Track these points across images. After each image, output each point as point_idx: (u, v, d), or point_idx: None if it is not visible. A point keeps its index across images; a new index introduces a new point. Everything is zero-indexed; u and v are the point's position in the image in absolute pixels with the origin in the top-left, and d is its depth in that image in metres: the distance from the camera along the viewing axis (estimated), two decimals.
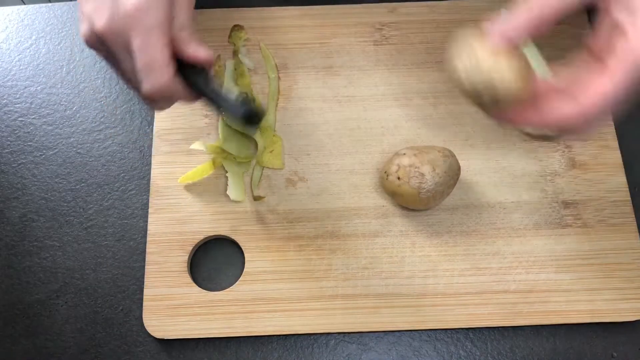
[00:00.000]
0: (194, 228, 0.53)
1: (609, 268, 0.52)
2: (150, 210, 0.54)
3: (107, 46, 0.43)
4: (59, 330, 0.52)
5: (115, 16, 0.41)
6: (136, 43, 0.41)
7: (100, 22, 0.41)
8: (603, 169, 0.56)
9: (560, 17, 0.38)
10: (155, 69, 0.42)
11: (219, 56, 0.59)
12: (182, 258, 0.52)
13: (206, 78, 0.44)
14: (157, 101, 0.44)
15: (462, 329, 0.52)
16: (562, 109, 0.38)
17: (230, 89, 0.57)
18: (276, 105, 0.58)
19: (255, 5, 0.61)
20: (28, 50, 0.62)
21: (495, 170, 0.56)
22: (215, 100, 0.44)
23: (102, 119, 0.59)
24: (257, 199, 0.54)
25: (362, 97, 0.58)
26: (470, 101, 0.41)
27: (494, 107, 0.40)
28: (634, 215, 0.54)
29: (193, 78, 0.44)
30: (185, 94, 0.44)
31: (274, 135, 0.56)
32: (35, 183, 0.56)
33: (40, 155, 0.57)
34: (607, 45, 0.38)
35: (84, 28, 0.43)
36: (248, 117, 0.43)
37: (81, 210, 0.55)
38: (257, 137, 0.55)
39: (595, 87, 0.37)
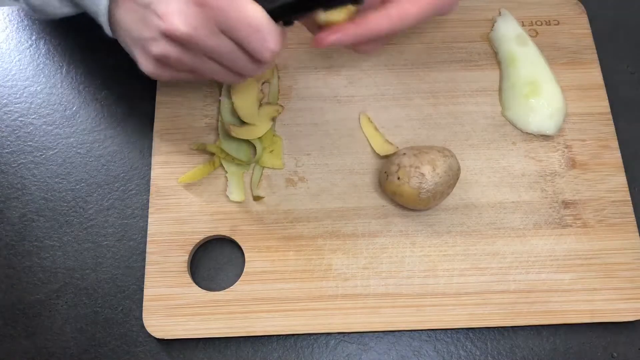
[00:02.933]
0: (194, 228, 0.53)
1: (609, 268, 0.52)
2: (150, 210, 0.54)
3: (196, 46, 0.42)
4: (59, 330, 0.52)
5: (189, 11, 0.40)
6: (230, 19, 0.40)
7: (177, 25, 0.40)
8: (603, 169, 0.56)
9: None
10: (265, 27, 0.41)
11: None
12: (182, 258, 0.52)
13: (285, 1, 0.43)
14: (272, 62, 0.44)
15: (462, 329, 0.52)
16: (380, 21, 0.45)
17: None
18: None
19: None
20: (28, 50, 0.62)
21: (495, 170, 0.56)
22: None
23: (102, 119, 0.59)
24: (257, 199, 0.54)
25: (362, 97, 0.58)
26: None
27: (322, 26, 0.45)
28: (634, 215, 0.54)
29: (278, 8, 0.42)
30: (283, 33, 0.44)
31: (274, 136, 0.56)
32: (35, 183, 0.56)
33: (40, 155, 0.57)
34: None
35: (155, 50, 0.42)
36: None
37: (81, 210, 0.55)
38: (256, 140, 0.55)
39: (406, 5, 0.45)
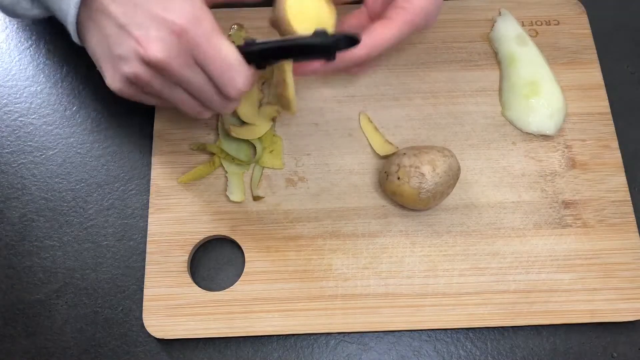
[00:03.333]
0: (194, 228, 0.53)
1: (609, 268, 0.52)
2: (150, 210, 0.54)
3: (169, 73, 0.42)
4: (59, 330, 0.52)
5: (168, 39, 0.41)
6: (206, 53, 0.42)
7: (155, 52, 0.41)
8: (603, 169, 0.56)
9: None
10: (236, 67, 0.43)
11: None
12: (182, 258, 0.52)
13: (263, 43, 0.44)
14: (238, 99, 0.45)
15: (462, 329, 0.52)
16: (350, 53, 0.46)
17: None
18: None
19: (256, 5, 0.61)
20: (28, 50, 0.62)
21: (495, 170, 0.56)
22: (295, 49, 0.44)
23: (102, 119, 0.59)
24: (256, 199, 0.54)
25: (362, 97, 0.58)
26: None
27: None
28: (634, 215, 0.54)
29: (253, 52, 0.44)
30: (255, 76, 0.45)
31: (273, 135, 0.56)
32: (35, 183, 0.56)
33: (40, 155, 0.57)
34: (387, 4, 0.49)
35: (127, 69, 0.43)
36: (344, 40, 0.44)
37: (81, 210, 0.55)
38: (256, 140, 0.55)
39: (379, 32, 0.47)
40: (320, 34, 0.43)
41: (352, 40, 0.44)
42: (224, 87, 0.44)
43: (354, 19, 0.52)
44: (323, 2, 0.48)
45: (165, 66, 0.42)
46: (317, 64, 0.47)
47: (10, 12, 0.51)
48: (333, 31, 0.47)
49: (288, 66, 0.47)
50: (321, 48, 0.44)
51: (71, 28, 0.45)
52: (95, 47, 0.45)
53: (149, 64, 0.42)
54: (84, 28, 0.45)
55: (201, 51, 0.42)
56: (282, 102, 0.50)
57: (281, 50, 0.45)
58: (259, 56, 0.45)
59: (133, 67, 0.42)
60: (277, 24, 0.47)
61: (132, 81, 0.44)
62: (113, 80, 0.45)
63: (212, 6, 0.46)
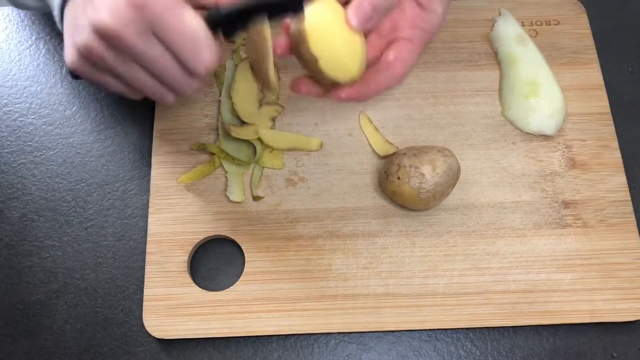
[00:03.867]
0: (194, 228, 0.53)
1: (609, 268, 0.52)
2: (150, 210, 0.54)
3: (121, 44, 0.39)
4: (59, 330, 0.52)
5: (123, 8, 0.38)
6: (168, 24, 0.38)
7: (105, 17, 0.38)
8: (603, 169, 0.56)
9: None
10: (202, 38, 0.39)
11: None
12: (182, 258, 0.52)
13: (226, 10, 0.41)
14: (203, 76, 0.42)
15: (462, 329, 0.52)
16: (389, 81, 0.48)
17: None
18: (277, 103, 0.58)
19: None
20: (28, 50, 0.62)
21: (495, 170, 0.56)
22: (263, 6, 0.41)
23: (102, 119, 0.59)
24: (256, 199, 0.54)
25: None
26: (306, 69, 0.47)
27: (333, 83, 0.47)
28: (634, 215, 0.54)
29: (220, 19, 0.41)
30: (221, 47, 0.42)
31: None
32: (35, 183, 0.56)
33: (40, 155, 0.57)
34: (397, 22, 0.48)
35: (78, 39, 0.40)
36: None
37: (81, 210, 0.55)
38: (256, 140, 0.55)
39: (406, 58, 0.48)
40: None
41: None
42: (189, 62, 0.40)
43: (375, 51, 0.49)
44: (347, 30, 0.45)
45: (116, 35, 0.38)
46: (349, 93, 0.48)
47: (12, 2, 0.51)
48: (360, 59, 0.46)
49: (267, 41, 0.44)
50: (288, 2, 0.41)
51: (55, 13, 0.44)
52: (65, 25, 0.43)
53: (100, 32, 0.39)
54: (66, 13, 0.44)
55: (162, 22, 0.38)
56: (263, 80, 0.48)
57: (249, 10, 0.41)
58: (227, 22, 0.41)
59: (85, 37, 0.40)
60: (298, 45, 0.45)
61: (85, 54, 0.41)
62: (67, 54, 0.42)
63: None
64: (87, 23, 0.39)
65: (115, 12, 0.38)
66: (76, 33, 0.41)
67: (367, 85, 0.48)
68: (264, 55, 0.45)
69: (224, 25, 0.42)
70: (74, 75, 0.46)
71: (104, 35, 0.39)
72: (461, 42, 0.61)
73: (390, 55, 0.48)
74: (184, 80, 0.42)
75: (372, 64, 0.48)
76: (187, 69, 0.41)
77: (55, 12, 0.45)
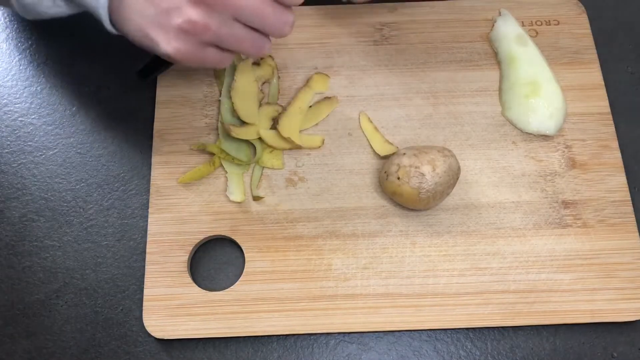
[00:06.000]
0: (194, 228, 0.53)
1: (609, 268, 0.52)
2: (150, 210, 0.54)
3: (224, 6, 0.41)
4: (59, 330, 0.52)
5: None
6: None
7: None
8: (603, 169, 0.56)
9: None
10: None
11: None
12: (182, 258, 0.52)
13: None
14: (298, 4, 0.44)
15: (462, 329, 0.52)
16: None
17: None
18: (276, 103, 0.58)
19: None
20: (28, 50, 0.62)
21: (495, 170, 0.56)
22: None
23: (102, 119, 0.59)
24: (256, 199, 0.54)
25: (362, 97, 0.58)
26: None
27: None
28: (634, 215, 0.54)
29: None
30: None
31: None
32: (35, 183, 0.56)
33: (40, 155, 0.57)
34: None
35: (179, 19, 0.41)
36: None
37: (81, 210, 0.55)
38: (256, 140, 0.55)
39: None
40: None
41: None
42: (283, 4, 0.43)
43: None
44: None
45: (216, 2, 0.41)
46: None
47: (32, 12, 0.49)
48: None
49: None
50: None
51: (103, 12, 0.44)
52: (138, 18, 0.43)
53: (202, 1, 0.41)
54: (119, 9, 0.44)
55: None
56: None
57: None
58: None
59: (186, 13, 0.41)
60: None
61: (188, 30, 0.42)
62: (168, 41, 0.43)
63: None
64: (181, 1, 0.41)
65: None
66: (170, 17, 0.42)
67: None
68: None
69: None
70: (145, 74, 0.51)
71: (204, 1, 0.41)
72: (461, 42, 0.61)
73: None
74: (282, 17, 0.44)
75: None
76: (283, 3, 0.43)
77: (102, 12, 0.44)
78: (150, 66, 0.51)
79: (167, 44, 0.43)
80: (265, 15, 0.43)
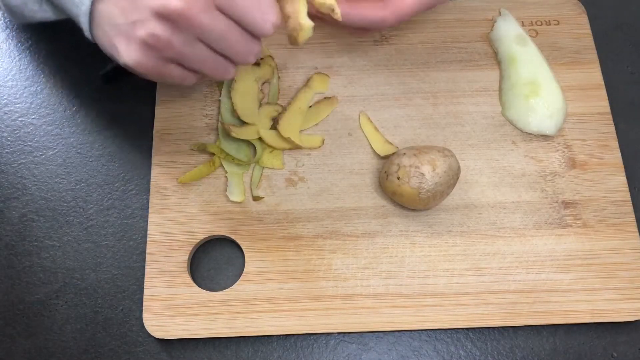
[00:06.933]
0: (194, 228, 0.53)
1: (609, 268, 0.52)
2: (150, 210, 0.54)
3: (189, 23, 0.40)
4: (59, 330, 0.52)
5: None
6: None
7: (174, 1, 0.39)
8: (603, 169, 0.56)
9: None
10: (266, 2, 0.42)
11: None
12: (182, 258, 0.52)
13: None
14: (267, 37, 0.44)
15: (462, 329, 0.52)
16: (377, 12, 0.48)
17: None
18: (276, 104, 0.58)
19: None
20: (28, 50, 0.62)
21: (495, 170, 0.56)
22: None
23: (102, 119, 0.59)
24: (256, 199, 0.54)
25: (362, 97, 0.58)
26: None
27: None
28: (634, 215, 0.54)
29: None
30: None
31: None
32: (35, 183, 0.56)
33: (40, 155, 0.57)
34: None
35: (142, 32, 0.41)
36: None
37: (81, 210, 0.55)
38: (256, 140, 0.55)
39: (400, 3, 0.48)
40: None
41: None
42: (256, 24, 0.42)
43: None
44: None
45: (183, 14, 0.40)
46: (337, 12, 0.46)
47: (19, 16, 0.49)
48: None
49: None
50: None
51: (84, 20, 0.44)
52: (107, 26, 0.43)
53: (166, 16, 0.40)
54: (94, 15, 0.44)
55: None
56: (292, 30, 0.47)
57: None
58: None
59: (150, 27, 0.41)
60: None
61: (150, 44, 0.42)
62: (128, 52, 0.43)
63: None
64: (148, 14, 0.40)
65: None
66: (135, 29, 0.41)
67: (352, 6, 0.47)
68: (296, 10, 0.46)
69: None
70: (107, 80, 0.52)
71: (170, 17, 0.40)
72: (461, 42, 0.61)
73: None
74: (248, 46, 0.44)
75: None
76: (252, 33, 0.43)
77: (83, 19, 0.44)
78: (112, 73, 0.52)
79: (127, 55, 0.43)
80: (230, 41, 0.43)
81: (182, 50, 0.42)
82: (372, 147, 0.56)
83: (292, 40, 0.47)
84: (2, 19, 0.63)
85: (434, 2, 0.49)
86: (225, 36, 0.42)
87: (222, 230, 0.53)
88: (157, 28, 0.41)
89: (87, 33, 0.46)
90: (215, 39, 0.42)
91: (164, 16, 0.40)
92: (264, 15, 0.42)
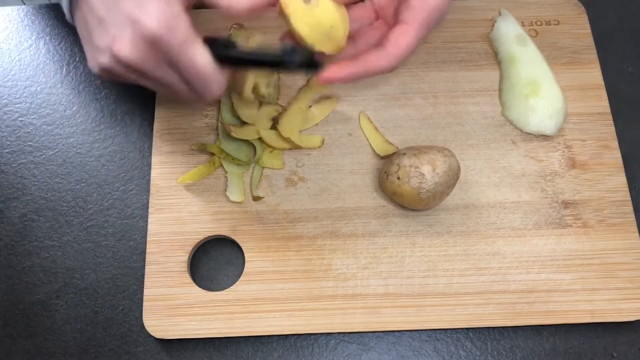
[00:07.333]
0: (194, 228, 0.53)
1: (609, 268, 0.52)
2: (150, 210, 0.54)
3: (141, 73, 0.43)
4: (59, 330, 0.52)
5: (140, 43, 0.41)
6: (179, 62, 0.42)
7: (125, 53, 0.41)
8: (603, 169, 0.56)
9: None
10: (210, 75, 0.43)
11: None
12: (182, 258, 0.52)
13: (238, 47, 0.45)
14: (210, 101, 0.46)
15: (462, 329, 0.52)
16: (379, 61, 0.46)
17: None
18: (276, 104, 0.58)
19: None
20: (28, 50, 0.62)
21: (495, 170, 0.56)
22: (262, 61, 0.45)
23: (102, 119, 0.59)
24: (256, 199, 0.54)
25: (362, 97, 0.58)
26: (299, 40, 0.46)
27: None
28: (634, 215, 0.54)
29: (225, 53, 0.44)
30: (227, 79, 0.45)
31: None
32: (35, 183, 0.56)
33: (40, 155, 0.57)
34: (398, 6, 0.47)
35: (102, 61, 0.44)
36: (307, 63, 0.44)
37: (81, 210, 0.55)
38: (256, 140, 0.55)
39: (401, 40, 0.46)
40: (288, 51, 0.44)
41: (315, 63, 0.45)
42: (198, 92, 0.45)
43: (359, 13, 0.51)
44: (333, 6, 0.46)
45: (136, 66, 0.42)
46: (339, 76, 0.46)
47: None
48: (309, 48, 0.46)
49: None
50: (287, 65, 0.44)
51: (64, 5, 0.46)
52: (81, 31, 0.46)
53: (120, 62, 0.42)
54: (75, 10, 0.46)
55: (174, 59, 0.42)
56: (236, 88, 0.51)
57: (252, 61, 0.46)
58: (233, 63, 0.46)
59: (108, 61, 0.43)
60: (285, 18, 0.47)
61: (107, 71, 0.45)
62: (92, 65, 0.46)
63: (198, 6, 0.46)
64: (107, 50, 0.43)
65: (134, 47, 0.41)
66: (98, 53, 0.44)
67: (358, 65, 0.47)
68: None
69: (232, 64, 0.46)
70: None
71: (124, 64, 0.43)
72: (461, 42, 0.61)
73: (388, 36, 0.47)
74: (196, 99, 0.47)
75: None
76: (196, 93, 0.46)
77: (64, 5, 0.46)
78: None
79: (91, 66, 0.46)
80: (182, 94, 0.46)
81: (137, 81, 0.45)
82: (372, 147, 0.56)
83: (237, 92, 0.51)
84: (2, 18, 0.63)
85: (430, 27, 0.48)
86: (175, 88, 0.45)
87: (222, 230, 0.53)
88: (114, 65, 0.43)
89: (68, 19, 0.48)
90: (167, 86, 0.45)
91: (119, 61, 0.42)
92: (206, 88, 0.44)
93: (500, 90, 0.59)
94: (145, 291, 0.51)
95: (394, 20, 0.48)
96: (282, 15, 0.46)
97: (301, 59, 0.44)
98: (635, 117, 0.60)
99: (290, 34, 0.47)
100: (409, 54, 0.47)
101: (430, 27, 0.47)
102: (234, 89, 0.52)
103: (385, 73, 0.48)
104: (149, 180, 0.56)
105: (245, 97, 0.51)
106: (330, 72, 0.46)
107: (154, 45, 0.41)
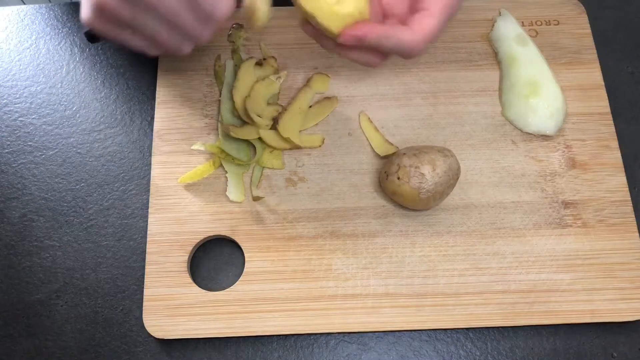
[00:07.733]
0: (194, 228, 0.53)
1: (609, 268, 0.52)
2: (150, 210, 0.54)
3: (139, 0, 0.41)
4: (59, 330, 0.52)
5: None
6: None
7: None
8: (603, 169, 0.56)
9: None
10: None
11: (218, 56, 0.59)
12: (182, 258, 0.52)
13: None
14: (222, 22, 0.44)
15: (462, 329, 0.52)
16: (403, 34, 0.45)
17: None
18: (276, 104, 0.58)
19: None
20: (28, 50, 0.62)
21: (495, 170, 0.56)
22: None
23: (102, 119, 0.59)
24: (256, 199, 0.54)
25: (362, 97, 0.58)
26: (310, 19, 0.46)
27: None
28: (634, 215, 0.54)
29: None
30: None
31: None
32: (35, 183, 0.56)
33: (40, 155, 0.57)
34: None
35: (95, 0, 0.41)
36: None
37: (81, 210, 0.55)
38: (256, 140, 0.55)
39: (425, 22, 0.46)
40: None
41: None
42: (206, 14, 0.42)
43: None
44: None
45: None
46: (364, 30, 0.45)
47: None
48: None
49: None
50: None
51: None
52: None
53: None
54: None
55: None
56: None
57: None
58: None
59: (97, 1, 0.42)
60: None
61: (100, 9, 0.42)
62: (84, 11, 0.44)
63: None
64: None
65: None
66: None
67: (383, 28, 0.45)
68: None
69: None
70: (91, 38, 0.50)
71: None
72: (461, 42, 0.61)
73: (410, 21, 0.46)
74: (198, 28, 0.44)
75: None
76: (202, 16, 0.43)
77: None
78: (96, 32, 0.49)
79: (85, 14, 0.44)
80: (181, 19, 0.43)
81: (131, 20, 0.43)
82: (372, 147, 0.56)
83: (249, 23, 0.47)
84: (2, 18, 0.63)
85: (449, 19, 0.47)
86: (176, 13, 0.43)
87: (222, 230, 0.53)
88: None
89: None
90: (164, 13, 0.42)
91: None
92: (215, 4, 0.42)
93: (500, 90, 0.59)
94: (145, 291, 0.51)
95: (411, 12, 0.47)
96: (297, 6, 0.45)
97: None
98: (635, 117, 0.60)
99: (306, 21, 0.46)
100: (433, 38, 0.46)
101: (450, 14, 0.47)
102: (247, 18, 0.48)
103: (408, 54, 0.46)
104: (149, 180, 0.56)
105: (261, 22, 0.47)
106: (356, 27, 0.45)
107: None
